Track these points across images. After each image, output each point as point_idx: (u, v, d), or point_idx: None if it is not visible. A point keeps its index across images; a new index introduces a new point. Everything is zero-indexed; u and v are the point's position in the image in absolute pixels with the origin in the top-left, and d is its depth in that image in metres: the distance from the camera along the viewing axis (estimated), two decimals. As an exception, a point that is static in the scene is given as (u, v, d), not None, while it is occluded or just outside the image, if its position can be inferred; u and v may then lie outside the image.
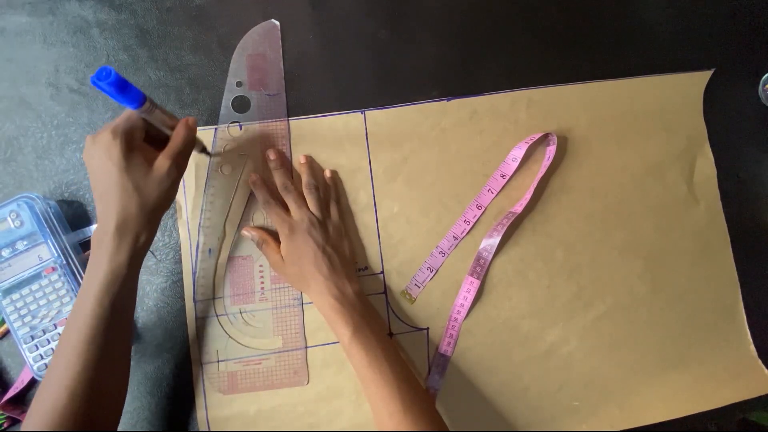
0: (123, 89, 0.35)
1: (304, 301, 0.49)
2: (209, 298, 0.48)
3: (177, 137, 0.40)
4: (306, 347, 0.48)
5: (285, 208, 0.47)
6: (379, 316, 0.48)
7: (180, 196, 0.49)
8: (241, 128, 0.49)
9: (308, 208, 0.47)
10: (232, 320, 0.48)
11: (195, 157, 0.49)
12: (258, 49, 0.50)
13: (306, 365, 0.48)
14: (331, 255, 0.45)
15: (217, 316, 0.48)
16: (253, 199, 0.49)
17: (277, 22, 0.51)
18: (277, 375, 0.48)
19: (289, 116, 0.50)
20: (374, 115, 0.51)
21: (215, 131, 0.50)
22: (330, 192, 0.49)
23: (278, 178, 0.48)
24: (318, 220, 0.46)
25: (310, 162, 0.49)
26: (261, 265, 0.49)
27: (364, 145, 0.51)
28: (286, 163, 0.49)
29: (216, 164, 0.49)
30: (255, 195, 0.48)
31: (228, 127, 0.49)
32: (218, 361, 0.47)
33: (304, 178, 0.48)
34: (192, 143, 0.42)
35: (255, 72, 0.50)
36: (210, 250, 0.48)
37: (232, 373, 0.47)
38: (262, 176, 0.48)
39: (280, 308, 0.49)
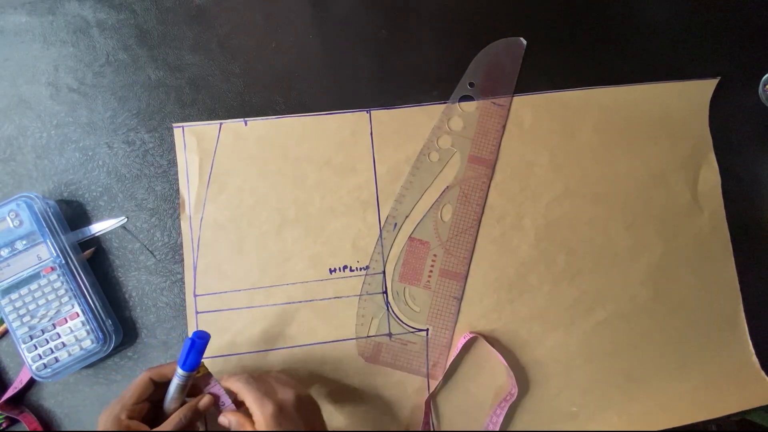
0: (200, 353, 0.38)
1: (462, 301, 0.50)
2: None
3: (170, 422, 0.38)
4: (450, 344, 0.49)
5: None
6: None
7: (183, 190, 0.49)
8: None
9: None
10: (394, 296, 0.49)
11: (199, 150, 0.49)
12: (499, 59, 0.52)
13: (446, 361, 0.49)
14: None
15: (383, 290, 0.49)
16: (446, 192, 0.50)
17: (524, 41, 0.53)
18: (417, 361, 0.49)
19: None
20: (379, 114, 0.51)
21: (220, 126, 0.50)
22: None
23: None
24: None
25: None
26: (435, 255, 0.50)
27: (369, 143, 0.51)
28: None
29: (425, 149, 0.51)
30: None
31: (449, 119, 0.51)
32: (369, 328, 0.49)
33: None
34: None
35: (489, 79, 0.52)
36: (395, 224, 0.50)
37: (378, 343, 0.49)
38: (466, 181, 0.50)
39: (439, 300, 0.50)
